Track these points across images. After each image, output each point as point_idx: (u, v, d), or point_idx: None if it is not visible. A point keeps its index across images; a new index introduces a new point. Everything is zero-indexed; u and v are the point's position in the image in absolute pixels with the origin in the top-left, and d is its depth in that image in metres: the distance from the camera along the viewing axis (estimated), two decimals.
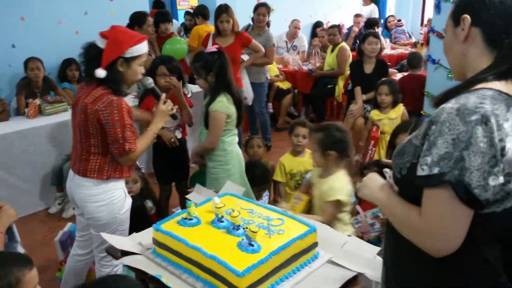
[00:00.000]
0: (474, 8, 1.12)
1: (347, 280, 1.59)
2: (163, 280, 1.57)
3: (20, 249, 2.03)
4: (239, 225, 1.67)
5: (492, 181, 0.99)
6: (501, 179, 0.99)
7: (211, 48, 2.76)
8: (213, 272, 1.53)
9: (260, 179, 2.94)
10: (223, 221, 1.73)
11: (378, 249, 1.74)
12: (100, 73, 1.99)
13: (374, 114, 3.87)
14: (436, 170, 1.01)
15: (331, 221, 2.17)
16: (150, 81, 2.28)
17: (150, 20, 4.25)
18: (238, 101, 2.70)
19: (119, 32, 2.05)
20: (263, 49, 4.47)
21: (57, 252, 2.87)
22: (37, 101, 4.07)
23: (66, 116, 3.77)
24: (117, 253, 1.87)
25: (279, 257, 1.53)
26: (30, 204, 3.84)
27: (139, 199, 2.80)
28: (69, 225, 2.98)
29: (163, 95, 2.26)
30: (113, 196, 2.15)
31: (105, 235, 1.91)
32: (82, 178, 2.12)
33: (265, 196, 3.02)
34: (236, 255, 1.54)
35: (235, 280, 1.44)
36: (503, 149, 0.99)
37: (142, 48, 2.08)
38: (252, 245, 1.55)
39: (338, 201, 2.21)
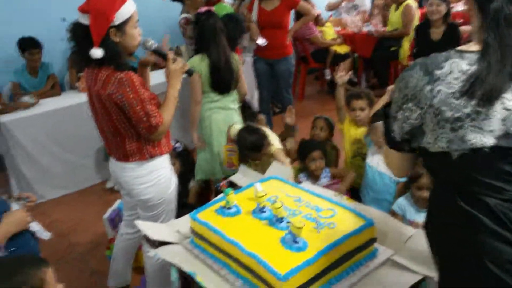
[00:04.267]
0: None
1: (411, 285, 1.34)
2: (198, 279, 1.41)
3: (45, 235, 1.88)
4: (282, 217, 1.46)
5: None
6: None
7: (202, 8, 2.79)
8: (253, 271, 1.34)
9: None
10: (265, 211, 1.53)
11: None
12: (97, 53, 1.76)
13: None
14: None
15: None
16: (151, 42, 1.98)
17: None
18: (214, 64, 2.67)
19: (98, 0, 1.78)
20: (313, 11, 4.11)
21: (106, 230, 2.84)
22: None
23: None
24: (155, 241, 1.74)
25: (328, 257, 1.32)
26: (86, 179, 3.86)
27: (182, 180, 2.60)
28: (118, 202, 2.93)
29: (170, 54, 1.99)
30: (159, 176, 2.03)
31: (141, 224, 1.79)
32: (125, 163, 2.01)
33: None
34: (278, 253, 1.34)
35: (276, 283, 1.25)
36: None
37: (129, 8, 1.81)
38: (297, 242, 1.34)
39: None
